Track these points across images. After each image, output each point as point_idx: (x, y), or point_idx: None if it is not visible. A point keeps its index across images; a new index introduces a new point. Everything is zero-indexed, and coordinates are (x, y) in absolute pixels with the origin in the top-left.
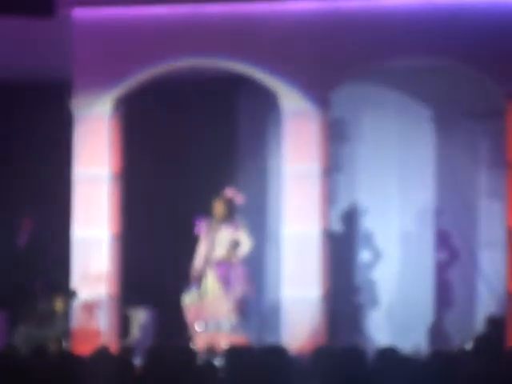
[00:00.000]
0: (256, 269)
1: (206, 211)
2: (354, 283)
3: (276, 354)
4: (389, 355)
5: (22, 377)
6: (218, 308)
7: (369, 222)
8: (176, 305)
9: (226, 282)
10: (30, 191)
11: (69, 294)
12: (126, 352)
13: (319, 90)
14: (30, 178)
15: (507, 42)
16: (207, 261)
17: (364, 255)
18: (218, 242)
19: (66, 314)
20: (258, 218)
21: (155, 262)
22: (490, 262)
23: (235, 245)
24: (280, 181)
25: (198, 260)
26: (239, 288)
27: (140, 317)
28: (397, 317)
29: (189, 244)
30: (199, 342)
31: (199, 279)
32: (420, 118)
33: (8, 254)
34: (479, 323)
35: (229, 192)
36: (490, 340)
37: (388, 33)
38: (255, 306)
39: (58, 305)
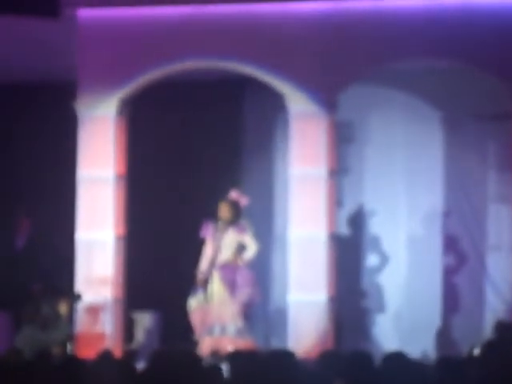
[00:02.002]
0: (262, 272)
1: (212, 214)
2: (361, 287)
3: (282, 359)
4: (396, 360)
5: (25, 380)
6: (224, 312)
7: (376, 226)
8: (181, 308)
9: (231, 285)
10: (34, 193)
11: (73, 297)
12: (131, 356)
13: (326, 91)
14: (34, 179)
15: None
16: (213, 264)
17: (371, 259)
18: (223, 245)
19: (70, 318)
20: (264, 220)
21: (160, 264)
22: (498, 266)
23: (241, 248)
24: (287, 183)
25: (204, 263)
26: (245, 291)
27: (145, 320)
28: (404, 321)
29: (194, 247)
30: (204, 346)
31: (205, 282)
32: (428, 119)
33: (11, 255)
34: (487, 328)
35: (235, 195)
36: (498, 345)
37: (395, 35)
38: (261, 309)
39: (62, 308)
